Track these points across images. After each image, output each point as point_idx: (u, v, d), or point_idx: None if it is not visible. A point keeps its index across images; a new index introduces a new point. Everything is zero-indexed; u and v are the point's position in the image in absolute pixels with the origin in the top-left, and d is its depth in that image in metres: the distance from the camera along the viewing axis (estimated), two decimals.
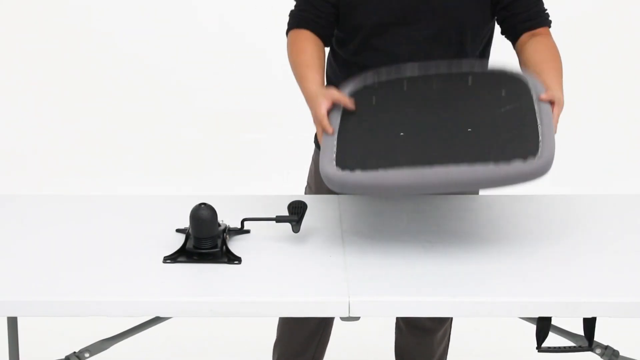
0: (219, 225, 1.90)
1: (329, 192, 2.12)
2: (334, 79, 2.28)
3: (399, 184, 1.78)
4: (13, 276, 1.79)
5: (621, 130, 4.87)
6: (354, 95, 2.03)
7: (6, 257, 1.89)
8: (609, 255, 1.90)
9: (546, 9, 2.25)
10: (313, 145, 2.41)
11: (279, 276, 1.79)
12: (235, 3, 4.87)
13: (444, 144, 1.85)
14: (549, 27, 2.24)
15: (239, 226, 1.97)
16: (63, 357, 2.03)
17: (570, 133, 4.86)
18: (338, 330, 2.61)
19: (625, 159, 4.75)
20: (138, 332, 2.08)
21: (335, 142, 1.90)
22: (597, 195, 2.33)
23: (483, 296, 1.71)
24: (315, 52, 2.16)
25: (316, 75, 2.11)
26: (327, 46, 2.25)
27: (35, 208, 2.17)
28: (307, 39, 2.19)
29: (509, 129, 1.86)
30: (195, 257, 1.86)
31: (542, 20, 2.22)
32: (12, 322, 2.16)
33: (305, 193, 2.45)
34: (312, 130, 2.42)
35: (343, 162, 1.84)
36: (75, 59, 4.92)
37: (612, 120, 4.91)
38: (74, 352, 2.04)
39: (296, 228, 1.94)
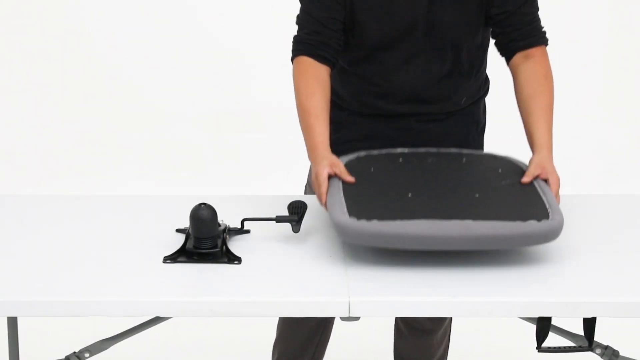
0: (219, 225, 1.89)
1: None
2: (331, 82, 2.29)
3: (417, 235, 1.74)
4: (13, 276, 1.79)
5: (621, 130, 4.87)
6: (349, 165, 2.01)
7: (6, 257, 1.89)
8: (609, 255, 1.90)
9: (543, 27, 2.20)
10: None
11: (279, 276, 1.79)
12: (235, 3, 4.87)
13: (456, 204, 1.83)
14: (545, 45, 2.20)
15: (239, 226, 1.97)
16: (63, 357, 2.02)
17: (570, 133, 4.86)
18: (338, 330, 2.61)
19: (625, 159, 4.75)
20: (138, 332, 2.08)
21: (342, 198, 1.86)
22: (597, 195, 2.33)
23: (483, 296, 1.71)
24: (324, 97, 2.11)
25: (324, 129, 2.07)
26: (335, 67, 2.19)
27: (35, 208, 2.17)
28: (316, 76, 2.13)
29: (514, 198, 1.86)
30: (195, 257, 1.85)
31: (536, 39, 2.18)
32: (12, 322, 2.16)
33: (305, 193, 2.45)
34: None
35: (356, 213, 1.79)
36: (75, 59, 4.92)
37: (612, 120, 4.91)
38: (74, 352, 2.03)
39: (296, 228, 1.93)
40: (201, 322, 3.11)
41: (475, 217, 1.77)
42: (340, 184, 1.92)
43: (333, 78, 2.29)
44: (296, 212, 1.95)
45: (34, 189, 4.36)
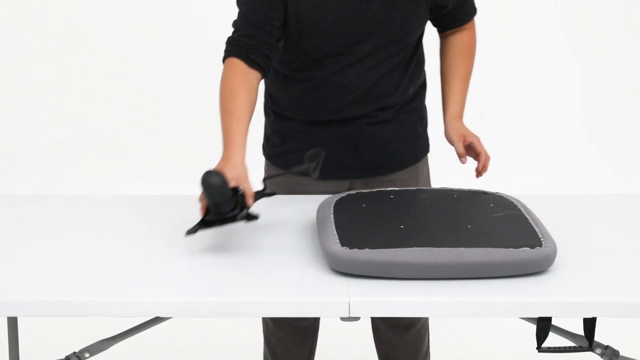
0: (236, 190, 1.90)
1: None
2: (273, 92, 2.31)
3: (410, 263, 1.74)
4: (13, 276, 1.79)
5: (621, 130, 4.88)
6: (340, 201, 2.02)
7: (6, 257, 1.89)
8: (609, 255, 1.90)
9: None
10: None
11: (278, 276, 1.79)
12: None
13: (449, 233, 1.84)
14: (474, 16, 2.35)
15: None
16: (63, 357, 2.03)
17: (570, 133, 4.87)
18: (338, 330, 2.61)
19: (625, 159, 4.75)
20: (138, 332, 2.08)
21: (334, 228, 1.87)
22: (597, 195, 2.33)
23: (483, 296, 1.71)
24: (248, 100, 2.07)
25: (242, 133, 2.02)
26: (266, 75, 2.16)
27: (35, 208, 2.17)
28: (243, 79, 2.09)
29: (506, 228, 1.88)
30: (216, 223, 1.88)
31: (469, 16, 2.33)
32: (12, 322, 2.16)
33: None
34: None
35: (348, 242, 1.80)
36: (75, 59, 4.92)
37: (612, 120, 4.91)
38: (74, 352, 2.03)
39: (314, 174, 2.00)
40: (201, 322, 3.11)
41: (468, 244, 1.78)
42: (332, 216, 1.93)
43: (276, 89, 2.28)
44: (312, 160, 2.01)
45: (34, 189, 4.36)
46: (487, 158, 2.22)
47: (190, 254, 1.90)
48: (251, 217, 1.90)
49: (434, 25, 2.34)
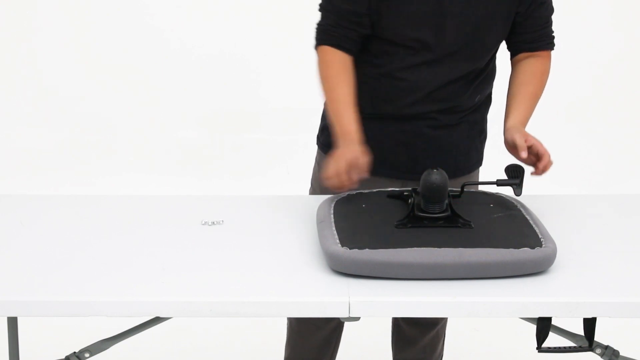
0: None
1: (333, 193, 2.12)
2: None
3: (410, 263, 1.74)
4: (13, 276, 1.79)
5: (621, 130, 4.88)
6: (340, 202, 2.02)
7: (6, 257, 1.89)
8: (609, 255, 1.90)
9: (553, 32, 2.29)
10: (316, 147, 2.40)
11: (278, 276, 1.79)
12: (236, 3, 4.87)
13: (449, 235, 1.84)
14: (551, 50, 2.29)
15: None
16: (63, 357, 2.02)
17: (570, 133, 4.87)
18: (357, 332, 2.60)
19: (625, 159, 4.75)
20: (138, 332, 2.08)
21: (334, 228, 1.87)
22: (597, 195, 2.33)
23: (483, 296, 1.71)
24: (351, 85, 2.17)
25: (354, 117, 2.14)
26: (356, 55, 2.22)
27: (35, 208, 2.17)
28: (343, 65, 2.18)
29: (506, 228, 1.88)
30: (425, 222, 1.89)
31: (543, 44, 2.27)
32: (12, 322, 2.16)
33: (310, 194, 2.45)
34: (314, 130, 2.42)
35: (348, 243, 1.80)
36: (75, 59, 4.92)
37: (612, 120, 4.91)
38: (74, 352, 2.03)
39: (518, 191, 2.00)
40: (201, 322, 3.11)
41: (468, 245, 1.78)
42: (332, 216, 1.93)
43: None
44: (515, 176, 2.02)
45: (34, 189, 4.36)
46: (550, 161, 2.13)
47: (190, 254, 1.90)
48: (465, 224, 1.88)
49: (509, 44, 2.29)
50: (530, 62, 2.26)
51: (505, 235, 1.83)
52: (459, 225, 1.88)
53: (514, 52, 2.28)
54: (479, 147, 2.37)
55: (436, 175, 1.89)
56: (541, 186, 4.49)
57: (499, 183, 2.00)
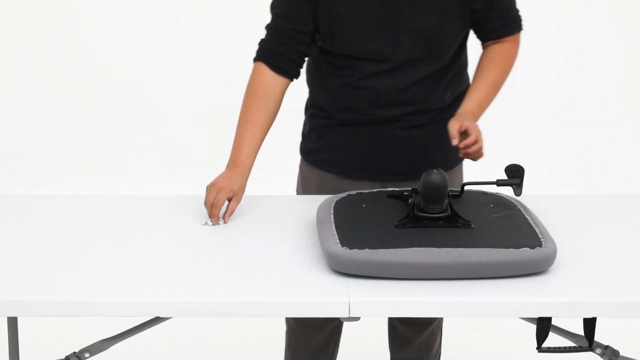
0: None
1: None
2: (313, 84, 2.32)
3: (410, 263, 1.74)
4: (13, 276, 1.79)
5: (622, 130, 4.88)
6: (340, 202, 2.02)
7: (6, 257, 1.89)
8: (608, 255, 1.90)
9: (518, 12, 2.28)
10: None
11: (278, 276, 1.79)
12: (236, 4, 4.87)
13: (449, 235, 1.84)
14: (519, 32, 2.29)
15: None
16: (63, 357, 2.02)
17: (570, 133, 4.87)
18: (356, 333, 2.60)
19: (625, 159, 4.75)
20: (138, 332, 2.08)
21: (334, 228, 1.87)
22: (597, 195, 2.33)
23: (483, 296, 1.71)
24: (268, 114, 2.19)
25: (253, 146, 2.16)
26: (295, 78, 2.23)
27: (35, 208, 2.17)
28: (268, 91, 2.18)
29: (506, 228, 1.88)
30: (425, 222, 1.88)
31: (509, 30, 2.27)
32: (12, 322, 2.16)
33: (297, 193, 2.46)
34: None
35: (348, 243, 1.80)
36: (75, 59, 4.92)
37: (612, 120, 4.91)
38: (74, 352, 2.03)
39: (518, 191, 1.99)
40: (201, 322, 3.11)
41: (468, 245, 1.78)
42: (332, 216, 1.93)
43: (316, 81, 2.29)
44: (516, 176, 2.01)
45: (34, 189, 4.36)
46: (475, 141, 2.08)
47: (190, 254, 1.90)
48: (465, 224, 1.88)
49: (476, 35, 2.30)
50: (493, 48, 2.27)
51: (505, 235, 1.83)
52: (459, 225, 1.88)
53: (482, 41, 2.30)
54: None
55: (436, 175, 1.89)
56: (541, 186, 4.50)
57: (499, 183, 2.00)
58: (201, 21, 4.95)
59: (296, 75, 2.22)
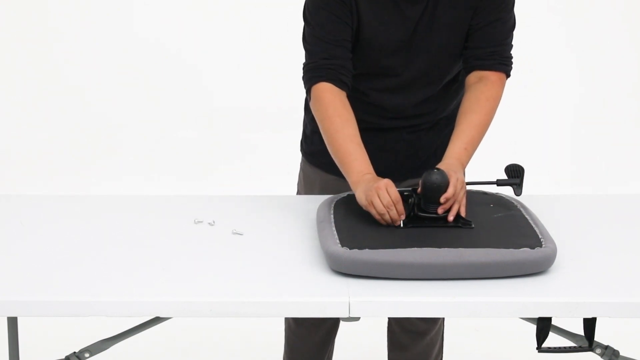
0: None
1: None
2: None
3: (410, 263, 1.74)
4: (13, 276, 1.79)
5: (622, 130, 4.88)
6: (340, 202, 2.02)
7: (6, 257, 1.89)
8: (608, 255, 1.90)
9: (511, 57, 2.18)
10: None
11: (278, 276, 1.79)
12: (237, 3, 4.87)
13: (449, 235, 1.84)
14: (506, 75, 2.17)
15: None
16: (63, 357, 2.02)
17: (571, 133, 4.87)
18: (351, 335, 2.60)
19: (625, 159, 4.75)
20: (138, 332, 2.08)
21: (334, 228, 1.87)
22: (597, 195, 2.33)
23: (483, 296, 1.71)
24: (355, 124, 2.07)
25: (365, 156, 2.03)
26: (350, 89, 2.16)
27: (35, 208, 2.17)
28: (344, 104, 2.08)
29: (506, 228, 1.88)
30: (426, 222, 1.89)
31: (496, 64, 2.15)
32: (12, 322, 2.16)
33: (298, 193, 2.45)
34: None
35: (348, 243, 1.80)
36: (75, 59, 4.92)
37: (612, 120, 4.91)
38: (74, 352, 2.03)
39: (518, 191, 1.99)
40: (201, 322, 3.11)
41: (468, 245, 1.78)
42: (332, 217, 1.93)
43: None
44: (516, 176, 2.01)
45: (34, 189, 4.36)
46: (456, 202, 1.93)
47: (190, 254, 1.90)
48: (465, 223, 1.89)
49: (462, 62, 2.19)
50: (478, 88, 2.14)
51: (505, 236, 1.83)
52: (459, 225, 1.88)
53: (466, 68, 2.18)
54: None
55: (436, 175, 1.89)
56: (541, 186, 4.50)
57: (499, 183, 2.00)
58: (201, 21, 4.95)
59: (351, 86, 2.13)
